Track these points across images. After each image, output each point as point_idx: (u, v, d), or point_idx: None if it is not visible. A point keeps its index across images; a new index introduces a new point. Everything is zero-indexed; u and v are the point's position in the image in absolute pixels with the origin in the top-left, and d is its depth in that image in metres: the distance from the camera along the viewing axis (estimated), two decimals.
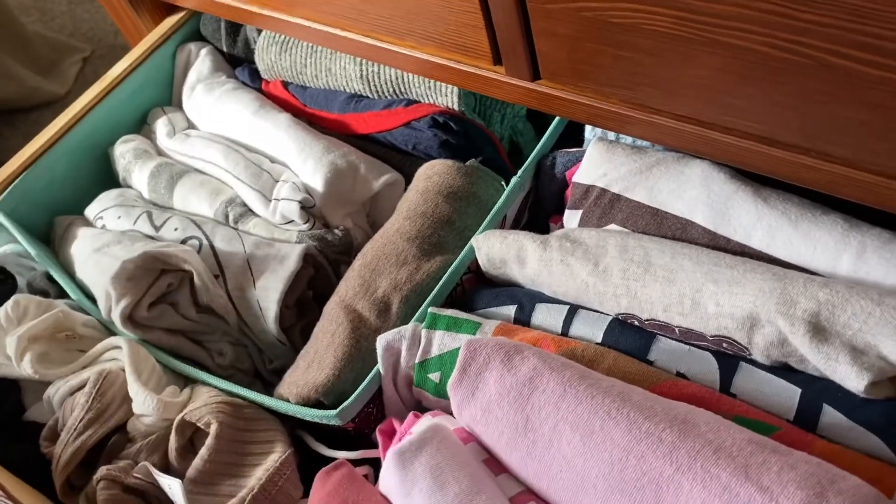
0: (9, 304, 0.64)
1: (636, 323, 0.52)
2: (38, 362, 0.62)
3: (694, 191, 0.53)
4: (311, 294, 0.69)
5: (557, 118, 0.66)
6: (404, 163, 0.75)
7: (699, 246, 0.52)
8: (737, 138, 0.48)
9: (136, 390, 0.58)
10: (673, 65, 0.46)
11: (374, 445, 0.59)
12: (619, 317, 0.53)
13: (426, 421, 0.50)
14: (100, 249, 0.69)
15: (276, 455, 0.54)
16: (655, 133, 0.51)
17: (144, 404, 0.57)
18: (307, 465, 0.60)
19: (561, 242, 0.54)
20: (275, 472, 0.53)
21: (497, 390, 0.46)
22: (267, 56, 0.80)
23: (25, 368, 0.61)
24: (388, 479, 0.46)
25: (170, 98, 0.88)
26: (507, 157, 0.77)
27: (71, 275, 0.72)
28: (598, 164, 0.57)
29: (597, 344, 0.52)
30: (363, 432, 0.58)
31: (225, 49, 0.86)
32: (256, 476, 0.53)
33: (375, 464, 0.56)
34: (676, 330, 0.50)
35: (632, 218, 0.55)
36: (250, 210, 0.72)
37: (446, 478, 0.45)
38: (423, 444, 0.46)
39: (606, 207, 0.56)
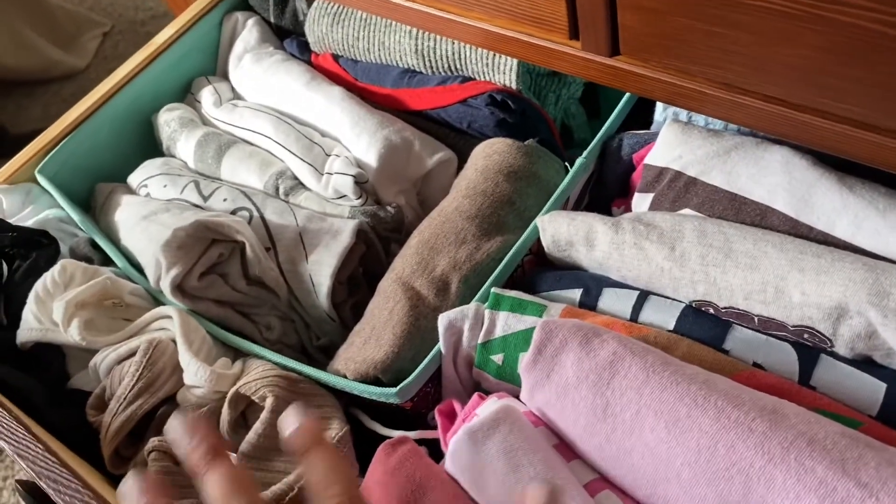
0: (56, 269, 0.63)
1: (711, 311, 0.51)
2: (86, 329, 0.60)
3: (775, 177, 0.52)
4: (361, 271, 0.68)
5: (623, 100, 0.65)
6: (457, 141, 0.73)
7: (781, 233, 0.50)
8: (831, 122, 0.46)
9: (187, 360, 0.56)
10: (770, 43, 0.45)
11: (428, 426, 0.58)
12: (693, 304, 0.51)
13: (495, 402, 0.48)
14: (147, 217, 0.68)
15: (332, 432, 0.53)
16: (741, 115, 0.49)
17: (196, 375, 0.56)
18: (357, 446, 0.59)
19: (634, 225, 0.53)
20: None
21: (575, 373, 0.45)
22: (318, 28, 0.78)
23: (73, 335, 0.60)
24: (458, 458, 0.45)
25: (214, 68, 0.86)
26: (560, 139, 0.75)
27: (115, 242, 0.70)
28: (674, 145, 0.55)
29: (668, 331, 0.51)
30: (419, 412, 0.57)
31: (272, 20, 0.84)
32: None
33: (430, 446, 0.54)
34: (755, 319, 0.49)
35: (708, 203, 0.53)
36: (301, 183, 0.70)
37: (520, 460, 0.43)
38: (496, 425, 0.44)
39: (681, 191, 0.54)
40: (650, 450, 0.42)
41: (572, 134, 0.80)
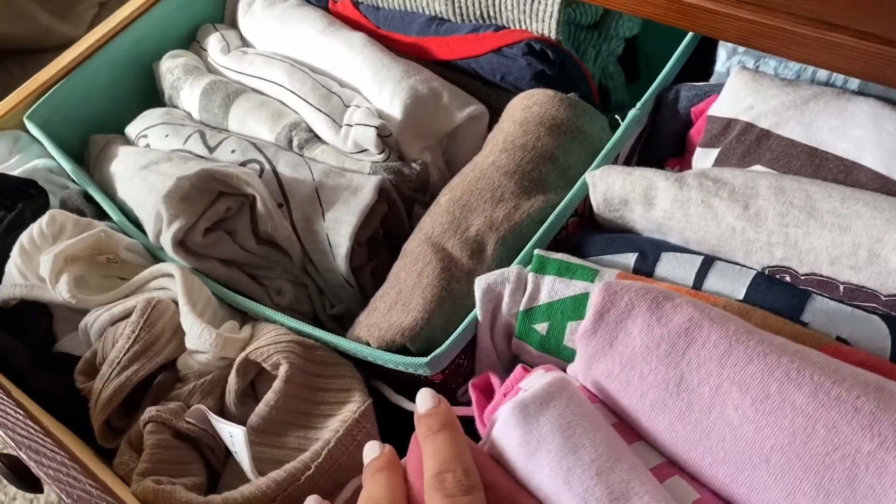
0: (44, 219, 0.56)
1: (788, 278, 0.45)
2: (76, 286, 0.54)
3: (862, 129, 0.46)
4: (381, 233, 0.62)
5: (681, 46, 0.59)
6: (489, 95, 0.67)
7: (872, 192, 0.44)
8: None
9: (190, 322, 0.50)
10: None
11: (457, 402, 0.52)
12: (767, 271, 0.45)
13: (545, 374, 0.42)
14: (147, 167, 0.61)
15: (353, 405, 0.47)
16: (832, 56, 0.43)
17: (200, 338, 0.49)
18: (379, 421, 0.53)
19: (701, 181, 0.47)
20: (353, 423, 0.46)
21: (643, 342, 0.39)
22: None
23: (61, 292, 0.53)
24: (506, 437, 0.39)
25: (222, 15, 0.79)
26: (598, 97, 0.69)
27: (111, 195, 0.64)
28: (743, 95, 0.49)
29: (739, 301, 0.45)
30: (449, 386, 0.51)
31: None
32: (332, 428, 0.46)
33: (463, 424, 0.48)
34: (842, 287, 0.43)
35: (783, 158, 0.47)
36: (317, 136, 0.64)
37: (580, 439, 0.37)
38: (551, 399, 0.38)
39: (752, 145, 0.48)
40: (733, 430, 0.36)
41: (609, 95, 0.74)
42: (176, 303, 0.53)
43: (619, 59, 0.73)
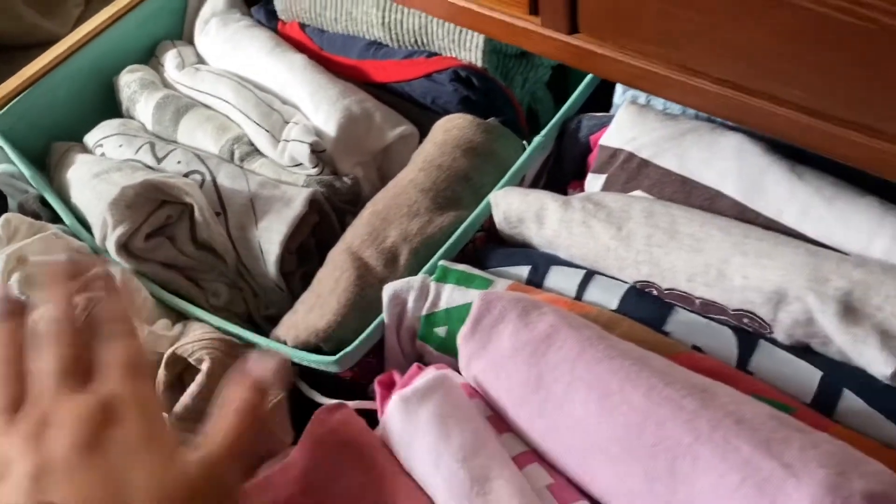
0: None
1: (654, 292, 0.50)
2: (26, 283, 0.59)
3: (727, 162, 0.52)
4: (313, 242, 0.67)
5: (585, 81, 0.64)
6: (420, 116, 0.72)
7: (728, 218, 0.50)
8: (783, 108, 0.46)
9: None
10: (724, 23, 0.44)
11: (368, 397, 0.57)
12: (637, 285, 0.51)
13: (431, 372, 0.48)
14: (99, 175, 0.66)
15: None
16: (696, 98, 0.49)
17: None
18: (297, 414, 0.58)
19: (584, 204, 0.52)
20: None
21: (511, 344, 0.44)
22: None
23: (13, 290, 0.58)
24: (391, 426, 0.44)
25: (181, 32, 0.84)
26: (525, 122, 0.75)
27: (66, 200, 0.69)
28: (629, 127, 0.55)
29: (611, 311, 0.50)
30: (360, 382, 0.56)
31: None
32: None
33: (369, 416, 0.54)
34: (697, 302, 0.49)
35: (659, 185, 0.53)
36: (257, 150, 0.69)
37: (451, 429, 0.43)
38: (429, 393, 0.44)
39: (633, 172, 0.54)
40: (580, 423, 0.42)
41: (539, 118, 0.79)
42: None
43: (548, 83, 0.79)
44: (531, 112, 0.79)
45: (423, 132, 0.71)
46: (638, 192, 0.54)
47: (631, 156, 0.54)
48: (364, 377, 0.56)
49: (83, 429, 0.33)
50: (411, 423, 0.43)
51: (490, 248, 0.58)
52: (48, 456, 0.33)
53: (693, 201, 0.52)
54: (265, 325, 0.66)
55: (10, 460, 0.33)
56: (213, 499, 0.34)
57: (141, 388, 0.36)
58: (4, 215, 0.62)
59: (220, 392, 0.52)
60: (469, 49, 0.69)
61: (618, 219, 0.51)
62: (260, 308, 0.66)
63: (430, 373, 0.47)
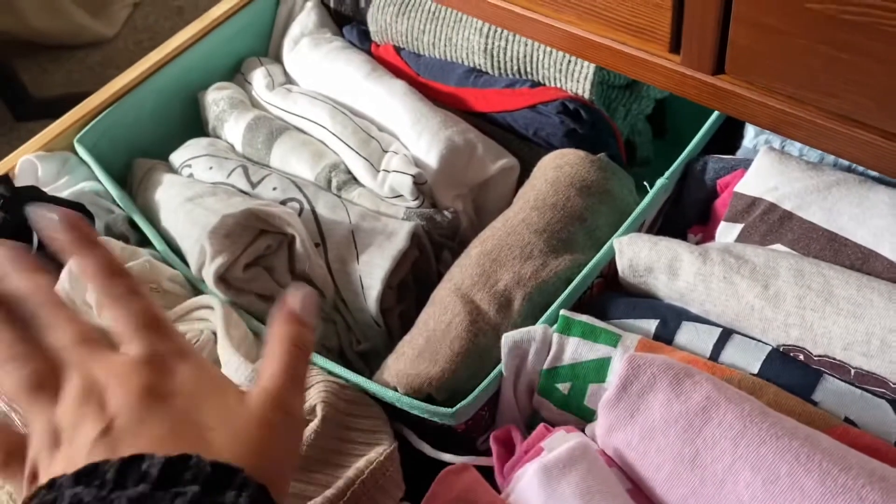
0: None
1: (801, 357, 0.47)
2: None
3: (881, 219, 0.48)
4: (411, 277, 0.64)
5: (710, 120, 0.61)
6: (521, 148, 0.69)
7: (887, 282, 0.46)
8: None
9: (228, 356, 0.53)
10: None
11: (476, 451, 0.54)
12: (782, 349, 0.48)
13: (566, 436, 0.44)
14: (192, 199, 0.64)
15: (381, 447, 0.49)
16: (858, 151, 0.45)
17: (237, 372, 0.52)
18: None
19: (724, 257, 0.49)
20: (379, 466, 0.48)
21: (662, 416, 0.41)
22: (382, 17, 0.74)
23: (107, 321, 0.56)
24: (528, 494, 0.41)
25: (266, 49, 0.82)
26: (625, 152, 0.72)
27: (154, 222, 0.67)
28: (769, 175, 0.52)
29: (752, 374, 0.47)
30: (471, 436, 0.53)
31: (332, 4, 0.81)
32: (358, 467, 0.48)
33: (482, 473, 0.51)
34: (853, 371, 0.45)
35: (803, 240, 0.50)
36: (354, 178, 0.67)
37: None
38: (573, 463, 0.41)
39: (774, 224, 0.51)
40: None
41: (635, 151, 0.76)
42: (215, 334, 0.56)
43: (647, 116, 0.76)
44: (629, 144, 0.75)
45: (524, 164, 0.68)
46: (779, 247, 0.50)
47: (772, 206, 0.51)
48: (475, 430, 0.53)
49: (140, 382, 0.33)
50: (553, 496, 0.40)
51: (610, 296, 0.55)
52: (112, 413, 0.32)
53: (842, 260, 0.48)
54: (357, 361, 0.63)
55: (67, 427, 0.32)
56: (283, 430, 0.33)
57: (176, 340, 0.35)
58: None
59: (331, 432, 0.50)
60: (577, 80, 0.66)
61: (763, 276, 0.47)
62: (353, 343, 0.63)
63: (564, 437, 0.44)
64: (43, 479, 0.30)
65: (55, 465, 0.31)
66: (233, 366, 0.53)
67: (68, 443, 0.32)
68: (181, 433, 0.32)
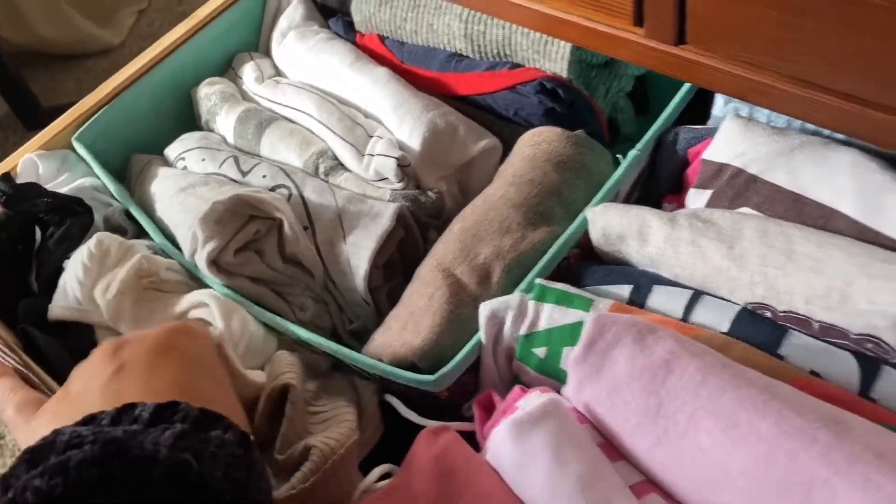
0: (91, 242, 0.61)
1: (768, 314, 0.49)
2: (134, 323, 0.59)
3: (842, 178, 0.50)
4: (398, 256, 0.66)
5: (681, 92, 0.62)
6: (503, 129, 0.71)
7: (847, 237, 0.48)
8: None
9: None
10: (849, 35, 0.42)
11: (461, 418, 0.56)
12: (749, 307, 0.49)
13: (539, 396, 0.46)
14: (185, 189, 0.66)
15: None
16: (815, 112, 0.47)
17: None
18: (388, 433, 0.58)
19: (691, 221, 0.51)
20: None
21: (627, 370, 0.43)
22: (365, 7, 0.76)
23: (122, 329, 0.59)
24: (501, 450, 0.43)
25: (256, 44, 0.85)
26: (608, 132, 0.73)
27: (150, 214, 0.69)
28: (736, 142, 0.53)
29: (722, 333, 0.49)
30: (455, 402, 0.55)
31: None
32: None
33: (466, 438, 0.53)
34: (816, 325, 0.47)
35: (769, 202, 0.51)
36: (341, 164, 0.69)
37: (567, 457, 0.41)
38: (543, 418, 0.43)
39: (741, 188, 0.52)
40: (704, 455, 0.40)
41: (619, 128, 0.78)
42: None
43: (629, 93, 0.77)
44: (611, 122, 0.77)
45: (505, 144, 0.70)
46: (746, 209, 0.52)
47: (739, 171, 0.53)
48: (458, 397, 0.55)
49: (156, 338, 0.41)
50: (525, 450, 0.42)
51: (586, 265, 0.56)
52: (125, 359, 0.40)
53: (806, 219, 0.50)
54: (350, 339, 0.66)
55: (91, 376, 0.40)
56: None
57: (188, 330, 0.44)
58: (97, 235, 0.62)
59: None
60: (555, 60, 0.67)
61: (729, 237, 0.49)
62: (345, 322, 0.65)
63: (538, 397, 0.46)
64: None
65: None
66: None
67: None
68: (175, 391, 0.38)
